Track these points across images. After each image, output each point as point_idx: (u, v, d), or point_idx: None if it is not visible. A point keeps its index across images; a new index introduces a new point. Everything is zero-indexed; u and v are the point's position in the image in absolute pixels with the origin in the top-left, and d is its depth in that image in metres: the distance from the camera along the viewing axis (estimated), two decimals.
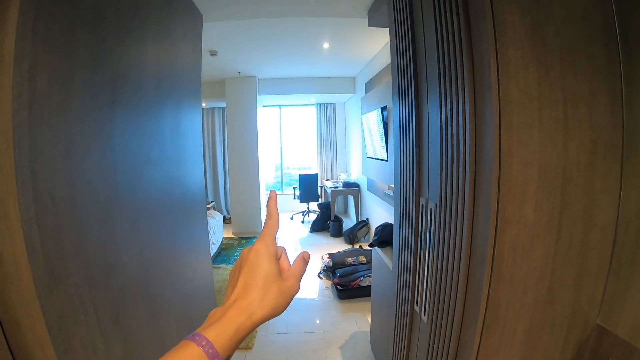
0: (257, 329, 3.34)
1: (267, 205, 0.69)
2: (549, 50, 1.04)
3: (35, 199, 0.92)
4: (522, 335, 1.20)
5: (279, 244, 0.65)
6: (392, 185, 2.26)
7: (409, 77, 1.68)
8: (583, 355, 1.21)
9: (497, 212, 1.08)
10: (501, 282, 1.13)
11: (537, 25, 1.04)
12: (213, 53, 5.02)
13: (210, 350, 0.48)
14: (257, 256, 0.60)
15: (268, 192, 8.82)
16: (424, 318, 1.64)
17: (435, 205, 1.45)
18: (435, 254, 1.47)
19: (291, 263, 0.66)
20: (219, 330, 0.51)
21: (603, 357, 1.15)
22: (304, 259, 0.66)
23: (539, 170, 1.07)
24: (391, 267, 2.24)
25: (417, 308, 1.74)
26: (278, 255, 0.63)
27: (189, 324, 2.09)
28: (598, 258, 1.13)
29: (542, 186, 1.07)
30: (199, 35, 2.64)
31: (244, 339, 0.55)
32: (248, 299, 0.56)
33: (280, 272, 0.61)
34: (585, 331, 1.19)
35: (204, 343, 0.49)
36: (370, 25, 2.87)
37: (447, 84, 1.29)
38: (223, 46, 4.83)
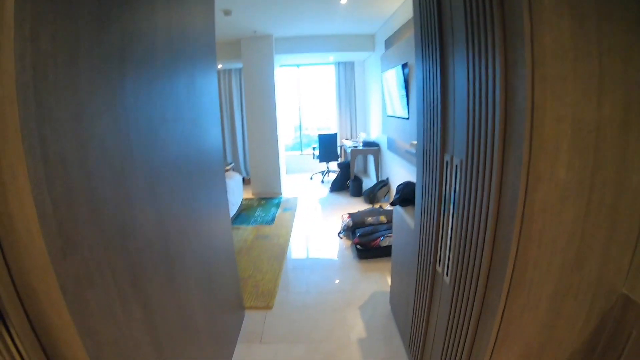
0: (277, 288, 3.37)
1: None
2: None
3: (44, 162, 0.90)
4: (547, 300, 1.17)
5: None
6: (414, 143, 2.19)
7: (433, 30, 1.60)
8: (607, 324, 1.18)
9: (528, 169, 1.04)
10: (530, 242, 1.10)
11: None
12: (227, 12, 4.90)
13: None
14: None
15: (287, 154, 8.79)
16: (447, 279, 1.61)
17: (461, 161, 1.40)
18: (460, 212, 1.43)
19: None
20: None
21: (627, 328, 1.11)
22: None
23: (572, 126, 1.01)
24: (413, 227, 2.20)
25: (439, 268, 1.71)
26: None
27: (208, 286, 2.11)
28: (628, 224, 1.09)
29: (575, 143, 1.02)
30: None
31: None
32: None
33: None
34: (610, 299, 1.16)
35: None
36: None
37: (476, 33, 1.22)
38: (237, 5, 4.70)
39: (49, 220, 0.91)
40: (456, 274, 1.49)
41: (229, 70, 8.60)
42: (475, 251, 1.31)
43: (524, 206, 1.06)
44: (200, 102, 2.11)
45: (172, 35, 1.73)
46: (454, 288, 1.52)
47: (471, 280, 1.36)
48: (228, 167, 6.73)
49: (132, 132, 1.31)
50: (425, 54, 1.74)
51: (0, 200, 0.88)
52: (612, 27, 0.97)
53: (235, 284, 2.89)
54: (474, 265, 1.33)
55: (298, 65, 9.20)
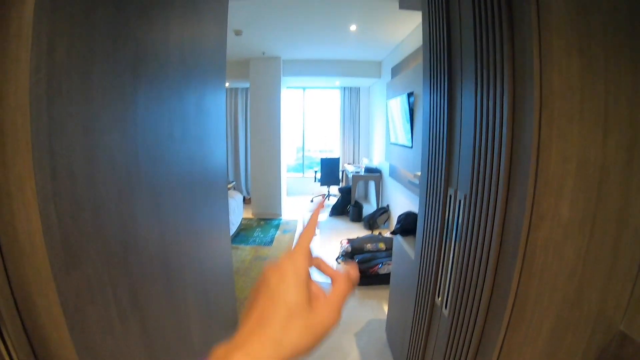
0: None
1: (312, 214, 0.57)
2: (593, 40, 0.99)
3: (52, 175, 0.90)
4: (546, 335, 1.17)
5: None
6: (418, 174, 2.21)
7: (442, 62, 1.63)
8: None
9: (533, 207, 1.04)
10: (531, 278, 1.10)
11: (582, 12, 0.99)
12: (238, 33, 4.98)
13: None
14: (281, 280, 0.47)
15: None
16: (445, 311, 1.61)
17: (465, 196, 1.40)
18: (462, 245, 1.43)
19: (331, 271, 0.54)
20: None
21: None
22: (349, 278, 0.52)
23: (577, 165, 1.02)
24: (413, 257, 2.20)
25: (438, 300, 1.71)
26: (309, 277, 0.50)
27: (206, 304, 2.09)
28: (628, 261, 1.09)
29: (579, 182, 1.03)
30: (225, 12, 2.60)
31: None
32: (261, 340, 0.42)
33: (309, 301, 0.47)
34: (607, 335, 1.16)
35: None
36: (401, 7, 2.78)
37: (484, 69, 1.24)
38: (248, 26, 4.78)
39: (53, 234, 0.91)
40: (455, 307, 1.48)
41: (236, 89, 8.69)
42: (476, 285, 1.31)
43: (526, 243, 1.07)
44: (208, 121, 2.13)
45: (184, 52, 1.76)
46: (452, 320, 1.51)
47: (470, 314, 1.35)
48: (230, 186, 6.74)
49: (140, 148, 1.32)
50: (433, 85, 1.76)
51: (6, 211, 0.88)
52: (619, 68, 0.99)
53: (232, 304, 2.87)
54: (473, 299, 1.33)
55: (304, 88, 9.28)
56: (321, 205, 0.58)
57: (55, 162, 0.91)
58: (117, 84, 1.17)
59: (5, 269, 0.90)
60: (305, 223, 0.53)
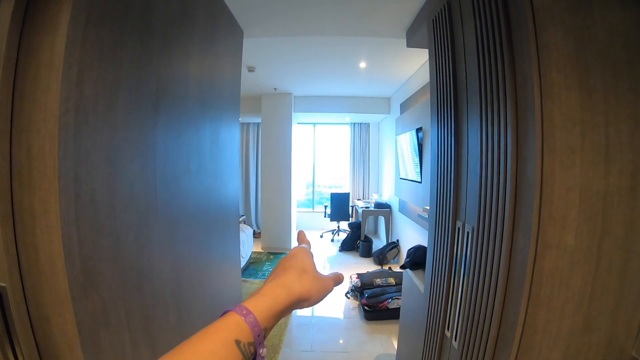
0: (281, 344, 3.32)
1: (299, 237, 0.81)
2: (591, 73, 1.04)
3: (76, 201, 0.95)
4: None
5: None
6: (427, 208, 2.23)
7: (448, 98, 1.68)
8: None
9: (538, 237, 1.07)
10: (539, 308, 1.11)
11: (580, 48, 1.04)
12: (251, 69, 5.10)
13: (250, 319, 0.50)
14: (300, 250, 0.70)
15: (298, 222, 8.83)
16: (455, 343, 1.60)
17: (473, 228, 1.43)
18: (470, 278, 1.45)
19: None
20: (257, 301, 0.54)
21: None
22: (339, 277, 0.72)
23: (580, 195, 1.05)
24: (422, 290, 2.20)
25: (448, 333, 1.71)
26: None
27: None
28: (637, 287, 1.10)
29: (583, 211, 1.06)
30: (240, 50, 2.70)
31: (283, 314, 0.57)
32: (287, 277, 0.60)
33: (316, 268, 0.68)
34: None
35: (244, 312, 0.51)
36: (408, 45, 2.86)
37: (489, 105, 1.28)
38: (261, 62, 4.90)
39: (74, 258, 0.94)
40: (465, 339, 1.48)
41: (247, 124, 8.82)
42: (485, 316, 1.32)
43: (532, 272, 1.08)
44: (223, 154, 2.18)
45: (202, 86, 1.83)
46: (462, 353, 1.51)
47: (480, 345, 1.35)
48: (240, 219, 6.76)
49: (158, 179, 1.37)
50: (440, 121, 1.81)
51: (28, 231, 0.92)
52: (618, 99, 1.03)
53: None
54: (482, 330, 1.33)
55: (314, 124, 9.40)
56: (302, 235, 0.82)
57: (79, 188, 0.96)
58: (139, 117, 1.23)
59: (23, 289, 0.94)
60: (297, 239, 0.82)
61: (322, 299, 0.64)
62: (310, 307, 4.60)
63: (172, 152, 1.48)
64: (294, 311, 0.74)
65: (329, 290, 0.66)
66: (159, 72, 1.36)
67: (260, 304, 0.53)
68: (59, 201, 0.90)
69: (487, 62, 1.30)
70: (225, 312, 0.52)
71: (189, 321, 1.70)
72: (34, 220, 0.91)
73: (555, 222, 1.06)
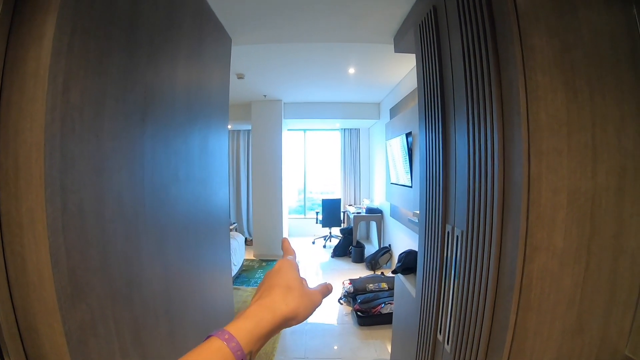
0: (275, 352, 3.30)
1: (283, 246, 0.80)
2: (577, 74, 1.05)
3: (63, 210, 0.93)
4: None
5: (300, 269, 0.70)
6: (417, 212, 2.24)
7: (436, 102, 1.69)
8: None
9: (526, 239, 1.07)
10: (529, 311, 1.11)
11: (565, 49, 1.05)
12: (240, 76, 5.10)
13: (233, 344, 0.50)
14: (284, 264, 0.68)
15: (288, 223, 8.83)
16: (447, 347, 1.61)
17: (462, 232, 1.43)
18: (461, 281, 1.45)
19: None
20: (240, 324, 0.53)
21: None
22: (328, 288, 0.71)
23: (568, 197, 1.06)
24: (414, 295, 2.20)
25: (440, 337, 1.71)
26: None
27: None
28: (628, 286, 1.10)
29: (571, 213, 1.06)
30: (228, 57, 2.70)
31: (269, 335, 0.56)
32: (271, 297, 0.59)
33: (302, 282, 0.66)
34: None
35: (226, 337, 0.50)
36: (396, 51, 2.87)
37: (475, 109, 1.29)
38: (250, 70, 4.91)
39: (61, 267, 0.93)
40: (456, 342, 1.49)
41: (238, 131, 8.81)
42: (476, 320, 1.32)
43: (522, 275, 1.08)
44: (211, 162, 2.17)
45: (190, 94, 1.82)
46: (454, 357, 1.51)
47: (471, 349, 1.35)
48: (231, 227, 6.74)
49: (147, 188, 1.36)
50: (428, 125, 1.81)
51: (16, 241, 0.91)
52: (604, 100, 1.04)
53: None
54: (474, 334, 1.33)
55: (305, 130, 9.40)
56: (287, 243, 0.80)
57: (66, 197, 0.94)
58: (126, 125, 1.22)
59: (12, 298, 0.92)
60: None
61: (309, 315, 0.63)
62: None
63: (160, 160, 1.47)
64: None
65: (317, 305, 0.65)
66: (145, 80, 1.35)
67: (243, 327, 0.53)
68: (45, 211, 0.88)
69: (473, 65, 1.30)
70: (208, 337, 0.51)
71: (181, 329, 1.68)
72: (21, 230, 0.90)
73: (544, 224, 1.06)
